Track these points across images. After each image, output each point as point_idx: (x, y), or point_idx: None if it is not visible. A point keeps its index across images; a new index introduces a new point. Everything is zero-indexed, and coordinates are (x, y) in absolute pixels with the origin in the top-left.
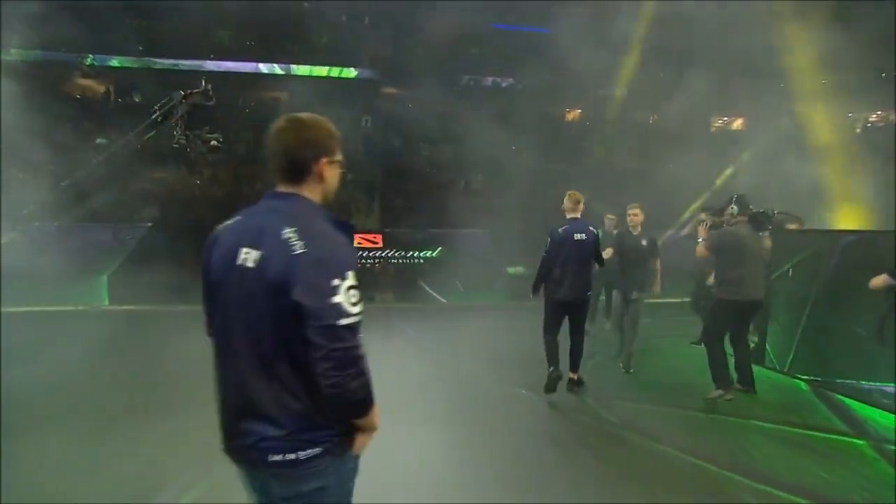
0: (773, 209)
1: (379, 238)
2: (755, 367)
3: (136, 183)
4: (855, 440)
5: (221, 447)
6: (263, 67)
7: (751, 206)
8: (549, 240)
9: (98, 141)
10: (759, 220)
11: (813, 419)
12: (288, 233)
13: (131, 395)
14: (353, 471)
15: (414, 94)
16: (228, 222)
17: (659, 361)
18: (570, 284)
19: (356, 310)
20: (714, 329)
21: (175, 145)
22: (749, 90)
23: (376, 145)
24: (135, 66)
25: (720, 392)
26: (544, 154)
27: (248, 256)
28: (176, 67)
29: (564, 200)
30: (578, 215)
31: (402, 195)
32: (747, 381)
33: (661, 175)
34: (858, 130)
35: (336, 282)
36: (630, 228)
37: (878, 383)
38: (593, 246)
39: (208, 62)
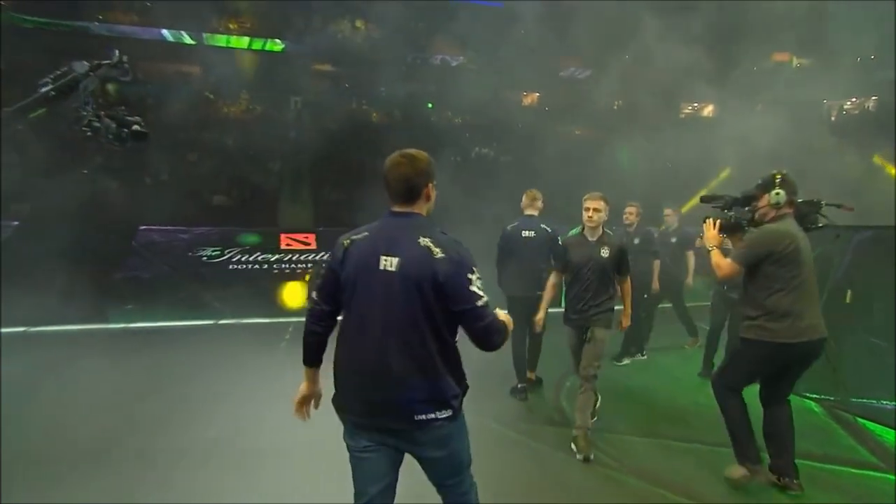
0: (820, 199)
1: (311, 238)
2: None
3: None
4: (892, 476)
5: (353, 417)
6: (168, 34)
7: None
8: (501, 235)
9: None
10: (805, 214)
11: (835, 449)
12: (425, 242)
13: None
14: (465, 424)
15: (351, 72)
16: (356, 236)
17: (649, 381)
18: (518, 282)
19: (484, 293)
20: (735, 381)
21: (84, 130)
22: (721, 74)
23: (308, 130)
24: None
25: (744, 472)
26: (499, 141)
27: (388, 262)
28: (50, 27)
29: (523, 197)
30: (535, 213)
31: (339, 188)
32: (789, 470)
33: (628, 166)
34: (833, 118)
35: (470, 276)
36: (585, 231)
37: None
38: (544, 245)
39: (96, 24)
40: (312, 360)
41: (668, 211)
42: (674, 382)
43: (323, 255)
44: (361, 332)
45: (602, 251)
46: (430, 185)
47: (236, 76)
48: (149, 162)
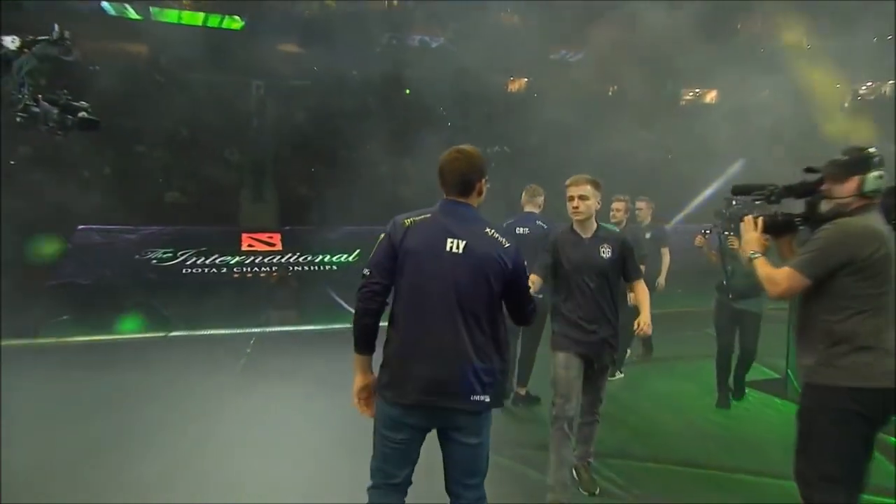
0: None
1: (276, 238)
2: (774, 399)
3: None
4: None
5: (407, 399)
6: (109, 7)
7: None
8: None
9: None
10: (891, 207)
11: (879, 480)
12: (491, 232)
13: None
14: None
15: (320, 54)
16: (417, 218)
17: (651, 397)
18: None
19: None
20: (828, 465)
21: (19, 115)
22: (725, 56)
23: (272, 117)
24: None
25: None
26: (484, 131)
27: (455, 244)
28: None
29: (522, 193)
30: (536, 210)
31: (307, 183)
32: None
33: (625, 158)
34: (847, 104)
35: (525, 264)
36: (575, 227)
37: None
38: (538, 243)
39: None
40: (369, 345)
41: (640, 204)
42: (680, 398)
43: (290, 258)
44: (425, 310)
45: (602, 251)
46: (483, 180)
47: (190, 57)
48: (88, 152)
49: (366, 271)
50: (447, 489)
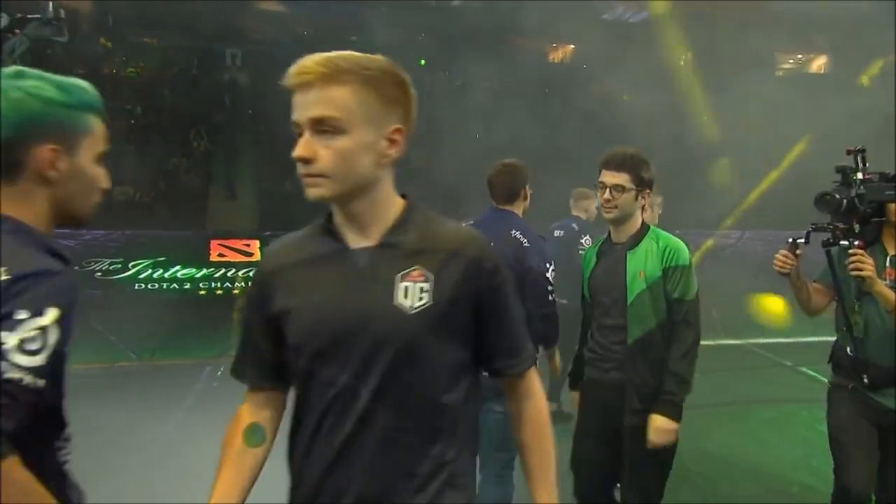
0: None
1: (254, 246)
2: None
3: None
4: None
5: None
6: None
7: None
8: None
9: None
10: None
11: None
12: (515, 233)
13: None
14: None
15: (311, 14)
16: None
17: (731, 452)
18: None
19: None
20: None
21: None
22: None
23: (250, 94)
24: None
25: None
26: (517, 112)
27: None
28: None
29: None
30: (583, 215)
31: (292, 176)
32: None
33: (699, 148)
34: None
35: (547, 265)
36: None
37: None
38: (568, 247)
39: None
40: None
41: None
42: (760, 453)
43: None
44: None
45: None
46: (526, 187)
47: (145, 17)
48: None
49: None
50: None
